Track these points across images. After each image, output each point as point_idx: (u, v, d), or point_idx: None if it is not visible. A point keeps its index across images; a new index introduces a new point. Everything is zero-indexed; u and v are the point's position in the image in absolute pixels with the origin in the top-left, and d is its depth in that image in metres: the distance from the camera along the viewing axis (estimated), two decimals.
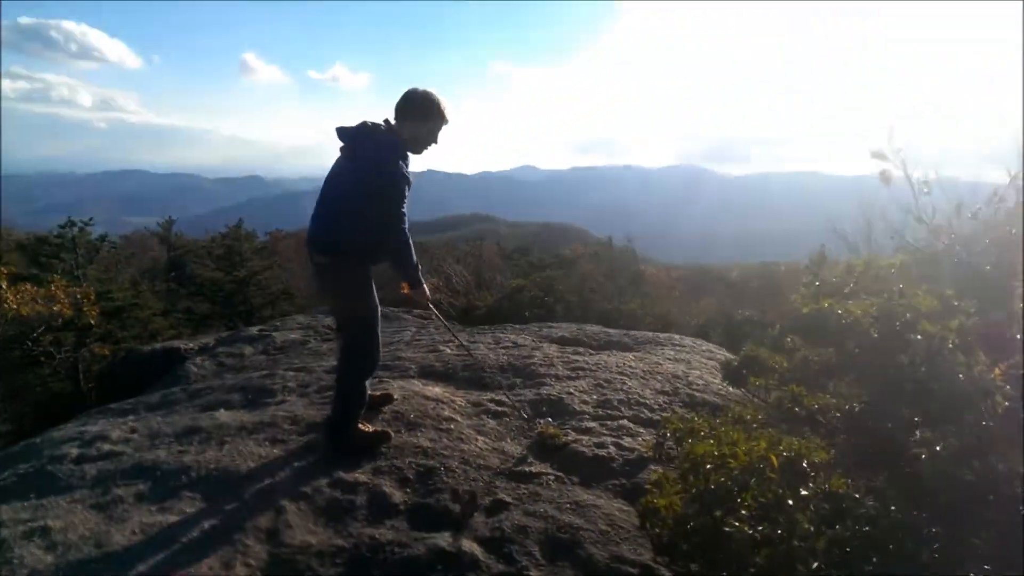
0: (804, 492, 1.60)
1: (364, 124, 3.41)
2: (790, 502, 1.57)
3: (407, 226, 3.33)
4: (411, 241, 3.38)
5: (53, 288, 9.70)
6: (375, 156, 3.28)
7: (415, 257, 3.42)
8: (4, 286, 8.88)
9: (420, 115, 3.39)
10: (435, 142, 3.51)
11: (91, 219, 15.59)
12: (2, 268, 9.12)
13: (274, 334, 7.41)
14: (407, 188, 3.29)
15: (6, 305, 8.83)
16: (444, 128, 3.48)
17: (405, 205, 3.30)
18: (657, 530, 2.03)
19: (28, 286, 9.50)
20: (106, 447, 3.74)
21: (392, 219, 3.26)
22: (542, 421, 3.96)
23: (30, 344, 11.19)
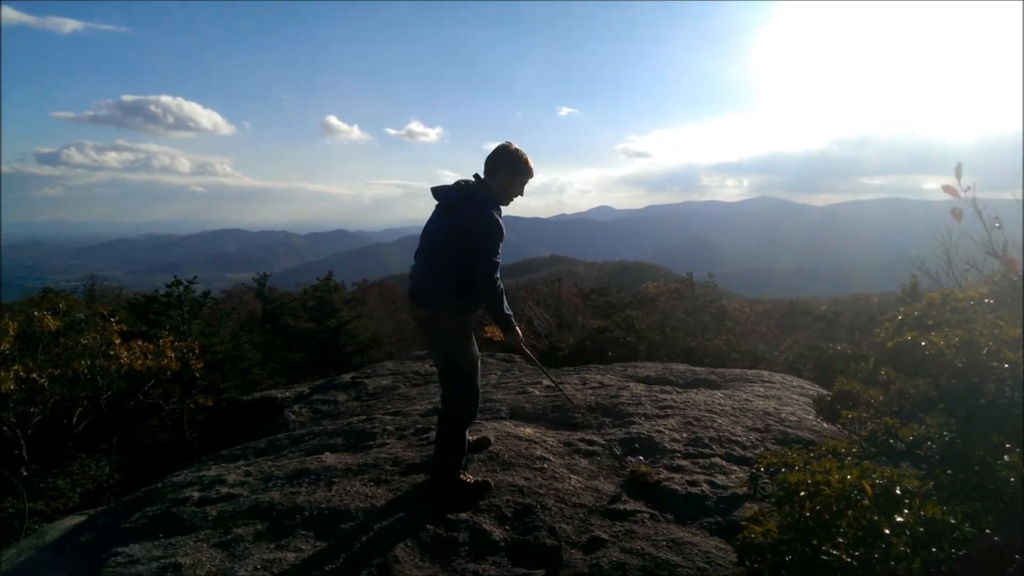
0: (899, 519, 1.63)
1: (458, 183, 3.59)
2: (886, 530, 1.61)
3: (499, 274, 3.45)
4: (503, 288, 3.49)
5: (162, 343, 10.29)
6: (470, 210, 3.43)
7: (507, 303, 3.52)
8: (117, 343, 9.42)
9: (508, 170, 3.56)
10: (520, 194, 3.67)
11: (195, 278, 16.71)
12: (115, 326, 9.70)
13: (366, 381, 7.72)
14: (500, 237, 3.42)
15: (120, 361, 9.36)
16: (528, 180, 3.65)
17: (499, 255, 3.42)
18: (756, 566, 2.05)
19: (139, 342, 10.08)
20: (224, 490, 4.02)
21: (486, 268, 3.38)
22: (633, 460, 4.01)
23: (141, 397, 11.94)
